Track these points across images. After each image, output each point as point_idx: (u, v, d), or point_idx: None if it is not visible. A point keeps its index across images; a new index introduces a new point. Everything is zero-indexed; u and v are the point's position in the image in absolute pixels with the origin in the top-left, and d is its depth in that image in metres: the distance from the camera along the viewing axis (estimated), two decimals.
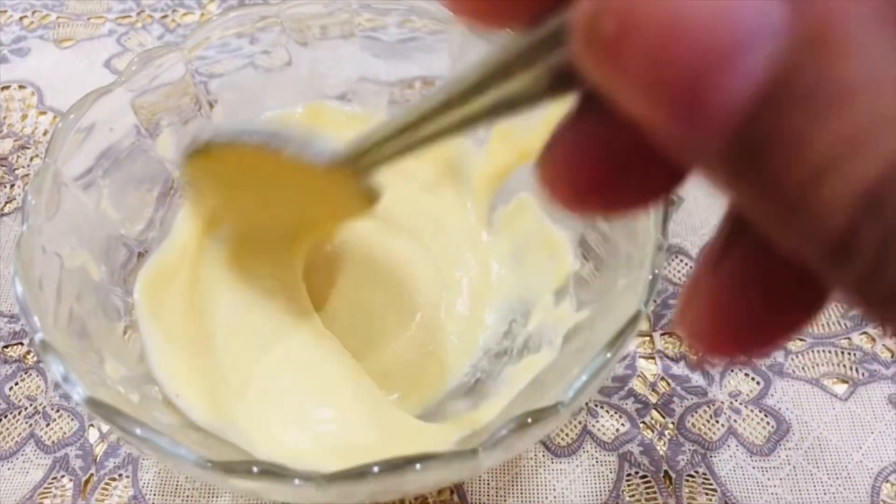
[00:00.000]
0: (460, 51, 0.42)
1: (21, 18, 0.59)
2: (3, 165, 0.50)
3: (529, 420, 0.26)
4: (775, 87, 0.12)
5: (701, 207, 0.47)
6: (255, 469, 0.25)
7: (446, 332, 0.40)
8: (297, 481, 0.25)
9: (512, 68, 0.17)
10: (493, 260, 0.42)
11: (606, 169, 0.16)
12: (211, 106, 0.43)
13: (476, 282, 0.42)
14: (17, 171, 0.50)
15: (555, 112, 0.40)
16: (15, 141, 0.52)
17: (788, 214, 0.12)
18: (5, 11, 0.60)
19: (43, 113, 0.53)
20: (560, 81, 0.16)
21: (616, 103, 0.13)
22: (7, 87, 0.55)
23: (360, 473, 0.25)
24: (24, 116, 0.53)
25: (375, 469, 0.25)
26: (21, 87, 0.55)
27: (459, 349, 0.40)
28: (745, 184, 0.13)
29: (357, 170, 0.27)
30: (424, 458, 0.25)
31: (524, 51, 0.16)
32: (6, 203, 0.48)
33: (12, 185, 0.49)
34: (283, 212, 0.37)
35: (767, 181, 0.12)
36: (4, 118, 0.53)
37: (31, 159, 0.51)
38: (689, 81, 0.11)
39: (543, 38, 0.15)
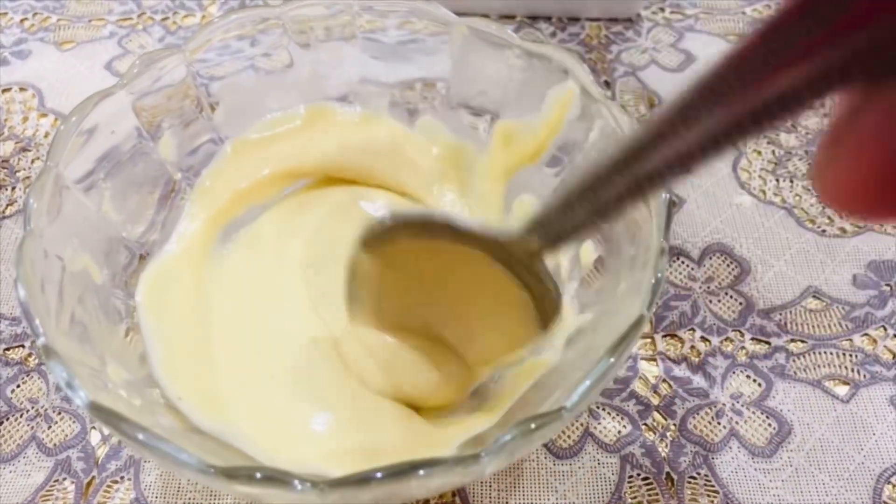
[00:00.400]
0: (461, 52, 0.42)
1: (22, 21, 0.59)
2: (4, 168, 0.50)
3: (533, 426, 0.26)
4: None
5: (702, 210, 0.47)
6: (257, 475, 0.25)
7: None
8: (299, 487, 0.25)
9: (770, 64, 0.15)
10: None
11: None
12: (212, 108, 0.43)
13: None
14: (18, 174, 0.50)
15: (555, 113, 0.41)
16: (16, 143, 0.52)
17: None
18: (6, 14, 0.60)
19: (44, 115, 0.53)
20: (831, 79, 0.14)
21: None
22: (8, 90, 0.55)
23: (362, 479, 0.25)
24: (26, 119, 0.53)
25: (378, 475, 0.25)
26: (22, 89, 0.55)
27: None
28: None
29: (543, 244, 0.25)
30: (427, 464, 0.25)
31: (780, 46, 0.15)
32: (7, 205, 0.48)
33: (13, 188, 0.49)
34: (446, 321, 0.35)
35: None
36: (5, 120, 0.53)
37: (33, 161, 0.51)
38: None
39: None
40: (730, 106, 0.16)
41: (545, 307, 0.30)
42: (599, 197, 0.20)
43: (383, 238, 0.31)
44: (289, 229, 0.43)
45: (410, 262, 0.32)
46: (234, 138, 0.44)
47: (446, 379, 0.35)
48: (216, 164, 0.43)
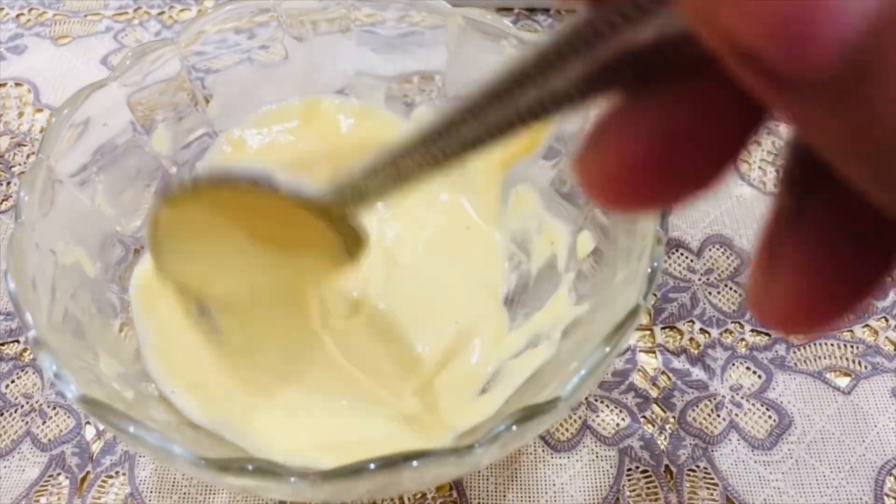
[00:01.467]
0: (458, 45, 0.42)
1: (18, 16, 0.59)
2: None
3: (527, 415, 0.26)
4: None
5: (701, 201, 0.47)
6: (249, 467, 0.25)
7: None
8: (292, 479, 0.25)
9: (543, 68, 0.15)
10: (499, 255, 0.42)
11: (660, 155, 0.15)
12: (207, 101, 0.43)
13: (487, 278, 0.41)
14: (13, 169, 0.50)
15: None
16: (11, 138, 0.51)
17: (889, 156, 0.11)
18: (2, 9, 0.59)
19: (39, 110, 0.53)
20: (604, 78, 0.15)
21: (708, 39, 0.12)
22: (3, 85, 0.55)
23: (356, 471, 0.25)
24: (21, 114, 0.53)
25: (372, 466, 0.25)
26: (17, 84, 0.55)
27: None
28: (843, 121, 0.12)
29: (350, 205, 0.26)
30: (421, 455, 0.25)
31: (563, 46, 0.15)
32: (2, 200, 0.48)
33: (9, 183, 0.49)
34: (269, 267, 0.34)
35: (871, 115, 0.11)
36: (1, 116, 0.53)
37: (28, 157, 0.50)
38: (807, 4, 0.11)
39: (587, 28, 0.14)
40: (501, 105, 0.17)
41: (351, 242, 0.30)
42: (398, 167, 0.21)
43: (189, 196, 0.31)
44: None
45: (220, 214, 0.32)
46: (228, 132, 0.44)
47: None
48: (210, 157, 0.43)
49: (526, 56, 0.16)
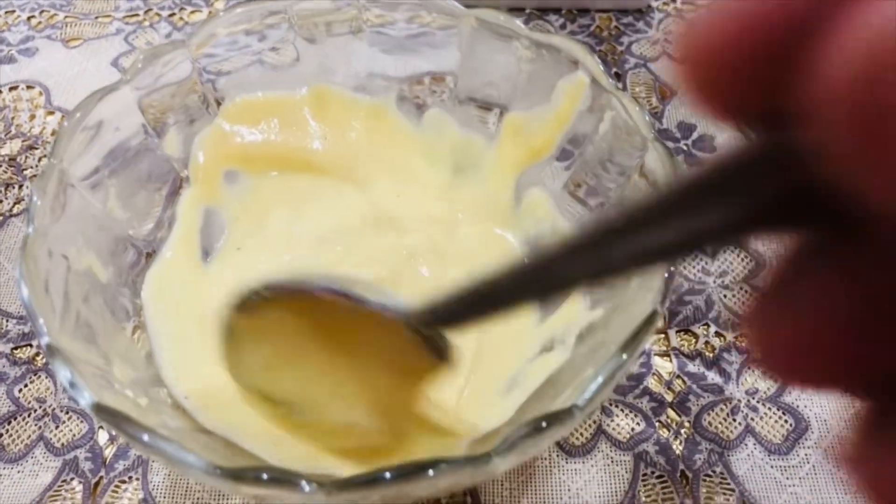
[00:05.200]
0: (470, 46, 0.42)
1: (29, 18, 0.59)
2: (11, 166, 0.50)
3: (544, 424, 0.26)
4: None
5: None
6: (264, 476, 0.25)
7: None
8: (307, 487, 0.25)
9: (701, 197, 0.13)
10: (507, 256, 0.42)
11: (848, 341, 0.12)
12: (218, 103, 0.43)
13: None
14: (25, 172, 0.50)
15: (565, 104, 0.40)
16: (23, 141, 0.51)
17: None
18: (13, 11, 0.60)
19: (51, 113, 0.53)
20: (774, 214, 0.13)
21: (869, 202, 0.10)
22: (15, 87, 0.55)
23: (371, 479, 0.25)
24: (33, 116, 0.53)
25: (387, 475, 0.25)
26: (29, 87, 0.55)
27: None
28: None
29: (438, 325, 0.25)
30: (437, 464, 0.25)
31: (727, 174, 0.13)
32: (15, 203, 0.48)
33: (21, 186, 0.49)
34: (340, 378, 0.32)
35: None
36: (12, 118, 0.53)
37: (40, 160, 0.50)
38: None
39: (760, 157, 0.12)
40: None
41: (437, 345, 0.28)
42: (493, 296, 0.21)
43: (262, 304, 0.30)
44: (296, 227, 0.43)
45: (294, 324, 0.31)
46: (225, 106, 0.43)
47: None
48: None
49: (659, 192, 0.14)
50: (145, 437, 0.26)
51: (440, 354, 0.28)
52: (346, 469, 0.26)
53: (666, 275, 0.29)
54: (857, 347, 0.12)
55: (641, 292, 0.31)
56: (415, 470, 0.25)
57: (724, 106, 0.13)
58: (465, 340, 0.29)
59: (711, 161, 0.13)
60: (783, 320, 0.13)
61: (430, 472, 0.25)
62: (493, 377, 0.37)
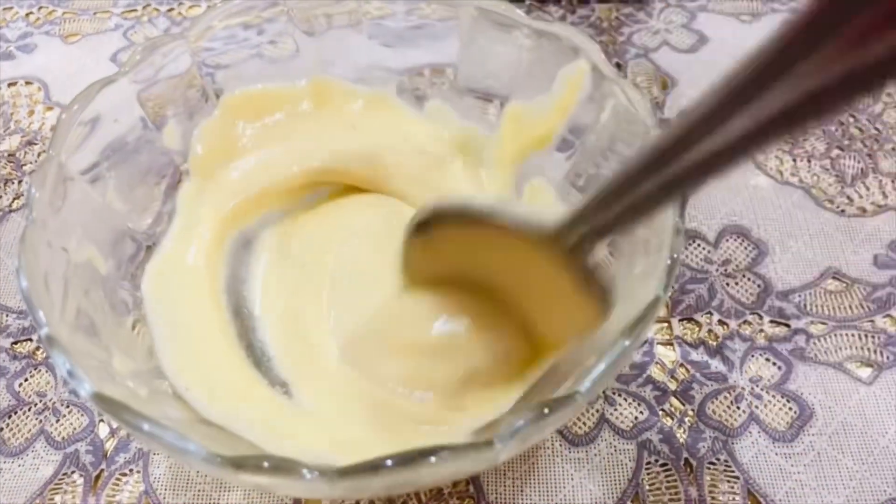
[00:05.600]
0: (470, 36, 0.42)
1: (27, 14, 0.59)
2: (10, 162, 0.50)
3: (546, 410, 0.25)
4: None
5: (718, 191, 0.46)
6: (265, 464, 0.25)
7: None
8: (308, 475, 0.24)
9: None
10: None
11: None
12: (217, 96, 0.43)
13: None
14: (24, 167, 0.50)
15: (566, 93, 0.40)
16: (22, 137, 0.51)
17: None
18: (11, 8, 0.59)
19: (50, 108, 0.53)
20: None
21: None
22: (14, 84, 0.55)
23: (373, 467, 0.24)
24: (31, 112, 0.53)
25: (389, 462, 0.24)
26: (28, 83, 0.55)
27: None
28: None
29: (577, 243, 0.25)
30: (439, 451, 0.25)
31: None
32: (14, 199, 0.48)
33: (20, 181, 0.49)
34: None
35: None
36: (11, 114, 0.53)
37: (39, 155, 0.50)
38: None
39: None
40: (754, 110, 0.15)
41: (596, 297, 0.29)
42: (631, 196, 0.21)
43: (430, 223, 0.32)
44: (315, 237, 0.42)
45: (462, 245, 0.32)
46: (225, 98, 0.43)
47: (505, 357, 0.34)
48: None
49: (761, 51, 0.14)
50: (146, 427, 0.26)
51: (599, 295, 0.28)
52: (346, 458, 0.26)
53: (668, 261, 0.29)
54: None
55: (644, 280, 0.30)
56: (417, 457, 0.24)
57: None
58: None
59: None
60: None
61: (432, 458, 0.24)
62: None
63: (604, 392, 0.39)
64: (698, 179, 0.18)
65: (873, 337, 0.40)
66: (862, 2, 0.13)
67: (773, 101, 0.15)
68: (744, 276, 0.43)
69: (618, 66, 0.54)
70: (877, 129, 0.49)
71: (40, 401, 0.40)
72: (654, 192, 0.20)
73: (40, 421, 0.39)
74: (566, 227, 0.26)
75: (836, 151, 0.48)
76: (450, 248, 0.33)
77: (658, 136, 0.18)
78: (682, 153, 0.18)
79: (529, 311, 0.33)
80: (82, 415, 0.39)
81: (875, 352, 0.40)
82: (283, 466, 0.25)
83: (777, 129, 0.16)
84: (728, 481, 0.36)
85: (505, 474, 0.37)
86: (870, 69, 0.13)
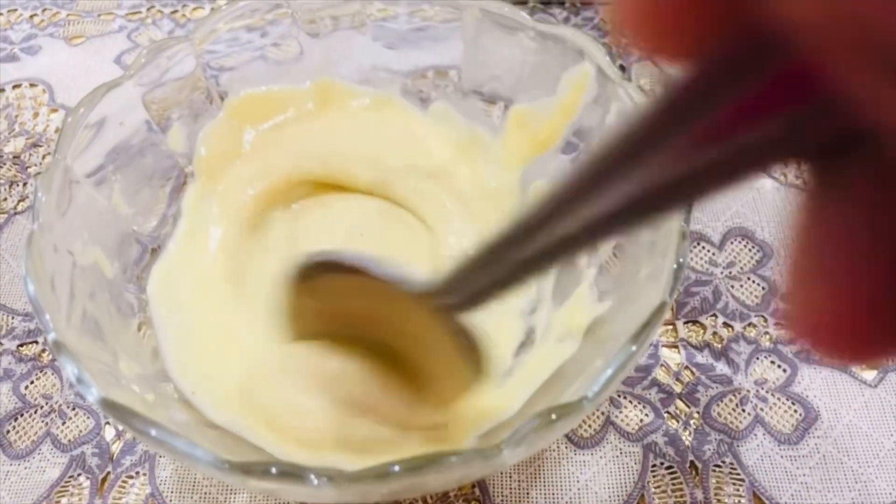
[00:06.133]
0: (474, 38, 0.42)
1: (31, 16, 0.59)
2: (15, 164, 0.50)
3: (553, 416, 0.26)
4: None
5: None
6: (273, 470, 0.25)
7: None
8: (315, 481, 0.25)
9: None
10: None
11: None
12: (222, 99, 0.43)
13: None
14: (29, 170, 0.50)
15: (571, 96, 0.39)
16: (27, 139, 0.51)
17: None
18: (15, 10, 0.59)
19: (54, 110, 0.53)
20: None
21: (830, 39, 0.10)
22: (18, 86, 0.55)
23: (380, 473, 0.24)
24: (36, 114, 0.53)
25: (396, 468, 0.24)
26: (32, 84, 0.55)
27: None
28: None
29: (451, 304, 0.24)
30: (446, 457, 0.25)
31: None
32: (19, 201, 0.48)
33: (25, 184, 0.49)
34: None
35: None
36: (16, 116, 0.53)
37: (44, 157, 0.50)
38: None
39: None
40: (646, 171, 0.14)
41: (469, 359, 0.28)
42: (509, 260, 0.20)
43: (313, 274, 0.31)
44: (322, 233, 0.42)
45: (345, 296, 0.31)
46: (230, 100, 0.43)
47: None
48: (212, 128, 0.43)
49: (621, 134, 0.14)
50: (153, 432, 0.26)
51: (474, 359, 0.27)
52: (353, 463, 0.26)
53: (674, 265, 0.29)
54: None
55: (649, 283, 0.30)
56: (424, 462, 0.24)
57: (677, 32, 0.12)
58: None
59: (691, 72, 0.12)
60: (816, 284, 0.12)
61: (440, 464, 0.24)
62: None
63: (609, 395, 0.39)
64: (559, 258, 0.18)
65: None
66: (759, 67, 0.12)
67: (645, 176, 0.14)
68: (748, 278, 0.43)
69: (622, 68, 0.54)
70: None
71: (46, 403, 0.40)
72: (512, 272, 0.20)
73: (46, 423, 0.39)
74: (432, 294, 0.25)
75: None
76: (333, 299, 0.32)
77: (518, 216, 0.18)
78: (538, 233, 0.18)
79: (418, 367, 0.33)
80: (88, 417, 0.39)
81: None
82: (291, 472, 0.25)
83: (650, 206, 0.15)
84: (733, 484, 0.36)
85: (510, 477, 0.37)
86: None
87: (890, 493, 0.36)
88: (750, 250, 0.44)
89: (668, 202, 0.14)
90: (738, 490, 0.36)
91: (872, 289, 0.11)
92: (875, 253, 0.11)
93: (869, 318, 0.11)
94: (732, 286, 0.42)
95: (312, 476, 0.25)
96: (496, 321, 0.38)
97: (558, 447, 0.38)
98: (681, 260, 0.29)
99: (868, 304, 0.11)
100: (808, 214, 0.12)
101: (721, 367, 0.40)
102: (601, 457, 0.37)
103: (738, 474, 0.36)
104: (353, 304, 0.31)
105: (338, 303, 0.32)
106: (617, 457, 0.37)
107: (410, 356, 0.32)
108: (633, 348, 0.27)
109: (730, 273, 0.43)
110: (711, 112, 0.12)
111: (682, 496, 0.36)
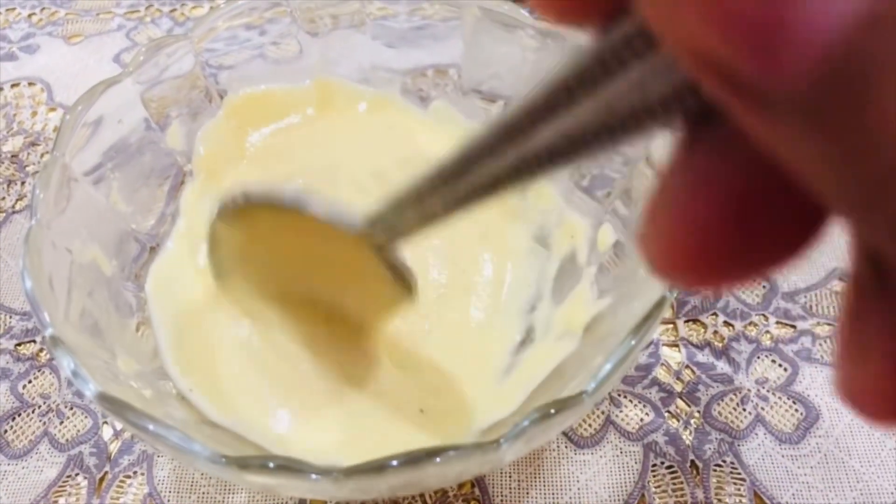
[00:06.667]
0: (474, 37, 0.42)
1: (30, 15, 0.59)
2: (13, 163, 0.50)
3: (552, 411, 0.25)
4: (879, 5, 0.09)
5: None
6: (270, 464, 0.25)
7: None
8: (314, 476, 0.24)
9: (553, 104, 0.15)
10: (513, 249, 0.41)
11: (731, 222, 0.12)
12: (221, 97, 0.43)
13: (496, 271, 0.41)
14: (27, 168, 0.49)
15: None
16: (25, 138, 0.51)
17: (878, 182, 0.09)
18: (14, 9, 0.59)
19: (53, 109, 0.53)
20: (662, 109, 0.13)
21: (668, 45, 0.11)
22: (17, 84, 0.55)
23: (378, 467, 0.24)
24: (34, 113, 0.53)
25: (394, 463, 0.24)
26: (30, 83, 0.55)
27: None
28: (828, 146, 0.10)
29: (385, 237, 0.26)
30: (444, 451, 0.24)
31: (601, 62, 0.13)
32: (17, 200, 0.48)
33: (23, 182, 0.49)
34: (315, 287, 0.35)
35: (864, 140, 0.09)
36: (14, 115, 0.52)
37: (42, 156, 0.50)
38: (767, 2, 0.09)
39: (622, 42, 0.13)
40: (564, 121, 0.15)
41: (401, 281, 0.30)
42: (425, 206, 0.22)
43: (241, 213, 0.32)
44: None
45: (273, 233, 0.32)
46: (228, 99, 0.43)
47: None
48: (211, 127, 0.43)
49: (537, 92, 0.15)
50: (151, 427, 0.26)
51: (403, 284, 0.30)
52: (351, 459, 0.25)
53: None
54: (736, 231, 0.12)
55: (649, 281, 0.30)
56: (423, 457, 0.24)
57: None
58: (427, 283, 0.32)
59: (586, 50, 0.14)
60: (672, 217, 0.13)
61: (438, 458, 0.24)
62: (480, 364, 0.36)
63: (609, 394, 0.39)
64: (477, 200, 0.19)
65: None
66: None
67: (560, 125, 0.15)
68: None
69: None
70: None
71: (44, 403, 0.40)
72: (440, 208, 0.21)
73: (44, 423, 0.39)
74: (368, 227, 0.26)
75: None
76: (260, 235, 0.33)
77: (452, 153, 0.19)
78: (464, 175, 0.19)
79: (344, 295, 0.35)
80: (86, 417, 0.39)
81: None
82: (289, 466, 0.25)
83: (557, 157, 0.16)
84: (734, 483, 0.36)
85: (510, 476, 0.37)
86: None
87: (892, 493, 0.36)
88: None
89: (576, 152, 0.15)
90: (738, 490, 0.36)
91: (708, 221, 0.12)
92: (717, 192, 0.12)
93: (703, 244, 0.13)
94: None
95: (310, 470, 0.24)
96: (496, 319, 0.38)
97: (558, 447, 0.37)
98: None
99: (702, 232, 0.12)
100: (673, 164, 0.13)
101: (722, 366, 0.39)
102: (601, 456, 0.37)
103: (739, 474, 0.36)
104: (285, 242, 0.32)
105: (270, 241, 0.33)
106: (617, 456, 0.37)
107: (342, 288, 0.34)
108: (633, 342, 0.27)
109: None
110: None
111: (682, 496, 0.36)
